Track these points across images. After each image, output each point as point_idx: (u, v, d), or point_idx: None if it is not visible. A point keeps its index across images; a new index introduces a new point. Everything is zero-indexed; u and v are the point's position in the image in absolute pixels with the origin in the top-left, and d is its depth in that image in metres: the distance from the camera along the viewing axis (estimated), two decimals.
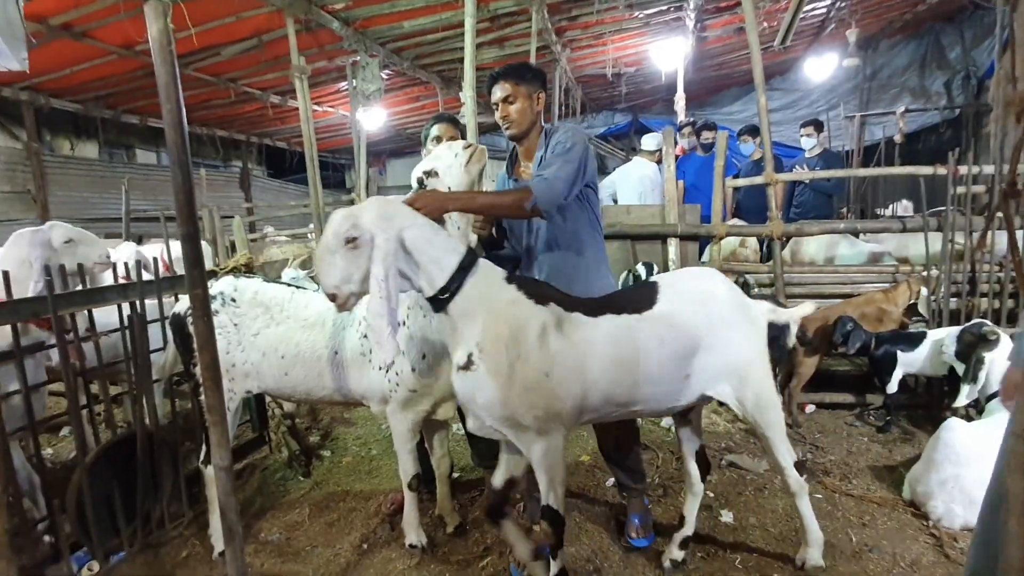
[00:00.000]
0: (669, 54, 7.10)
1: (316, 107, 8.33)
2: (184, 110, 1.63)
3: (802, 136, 5.34)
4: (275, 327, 2.38)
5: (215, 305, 2.36)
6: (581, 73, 8.75)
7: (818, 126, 5.37)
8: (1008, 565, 1.14)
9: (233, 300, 2.42)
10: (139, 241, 5.98)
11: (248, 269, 3.29)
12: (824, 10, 7.12)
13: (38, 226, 2.80)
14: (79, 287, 2.59)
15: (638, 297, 2.01)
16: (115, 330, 2.58)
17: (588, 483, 3.00)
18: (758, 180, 4.01)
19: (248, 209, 8.46)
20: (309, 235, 6.97)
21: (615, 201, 5.28)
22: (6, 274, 2.33)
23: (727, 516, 2.63)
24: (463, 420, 2.75)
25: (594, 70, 8.53)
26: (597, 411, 1.96)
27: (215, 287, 2.44)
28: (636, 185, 5.22)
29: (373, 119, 7.02)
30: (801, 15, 4.24)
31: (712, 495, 2.81)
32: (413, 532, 2.45)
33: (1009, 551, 1.14)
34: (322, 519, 2.77)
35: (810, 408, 3.83)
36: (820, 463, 3.12)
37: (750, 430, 3.53)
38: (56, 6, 4.67)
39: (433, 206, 1.84)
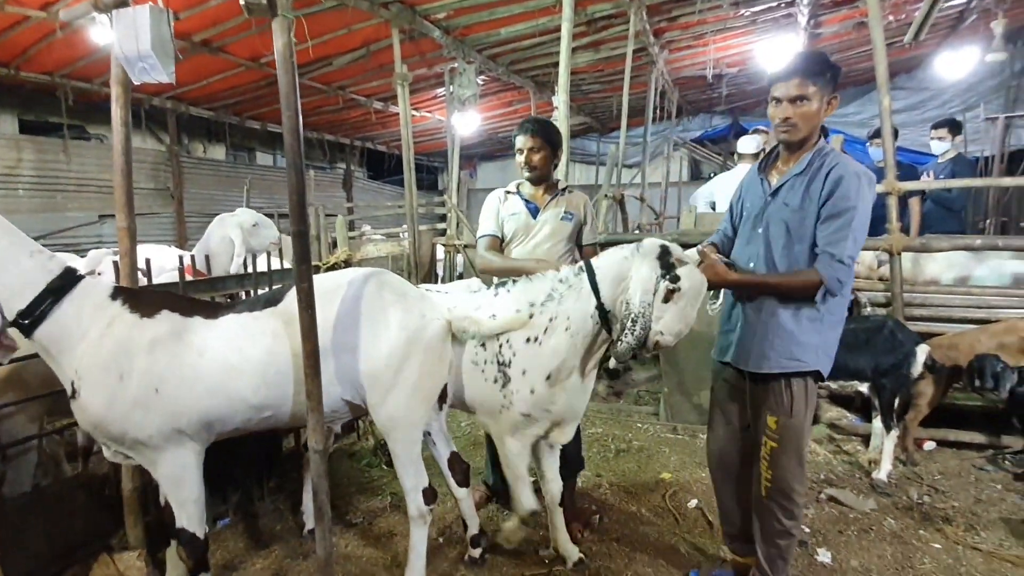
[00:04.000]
0: (777, 53, 6.65)
1: (414, 112, 8.69)
2: (301, 117, 1.75)
3: (932, 140, 4.69)
4: None
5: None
6: (678, 75, 8.44)
7: (953, 127, 4.65)
8: None
9: None
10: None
11: (347, 265, 3.50)
12: (964, 0, 6.36)
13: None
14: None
15: (269, 295, 1.97)
16: None
17: (662, 506, 2.86)
18: (877, 188, 3.63)
19: (349, 208, 8.99)
20: (402, 234, 7.27)
21: (713, 208, 5.01)
22: (207, 258, 3.39)
23: (824, 555, 2.41)
24: None
25: (693, 72, 8.19)
26: (233, 420, 1.89)
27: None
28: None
29: (467, 123, 7.18)
30: (939, 7, 3.78)
31: (807, 530, 2.59)
32: None
33: None
34: (402, 509, 2.84)
35: (929, 445, 3.43)
36: (940, 508, 2.79)
37: (854, 463, 3.24)
38: (199, 24, 5.24)
39: (715, 279, 1.93)
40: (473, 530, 2.39)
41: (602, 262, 2.05)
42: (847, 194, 1.79)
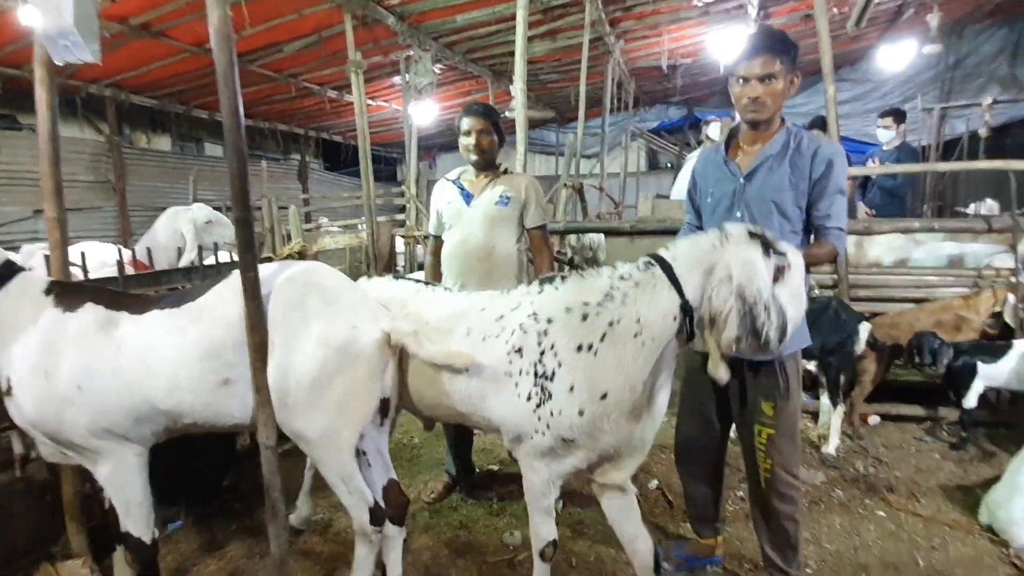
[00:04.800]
0: (728, 44, 6.80)
1: (370, 101, 8.51)
2: (240, 97, 1.67)
3: (879, 128, 4.86)
4: None
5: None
6: (634, 66, 8.54)
7: (899, 116, 4.81)
8: None
9: None
10: None
11: (301, 257, 3.41)
12: None
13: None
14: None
15: (195, 289, 1.85)
16: None
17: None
18: None
19: (304, 200, 8.75)
20: (360, 226, 7.12)
21: None
22: (148, 250, 3.26)
23: None
24: None
25: (648, 62, 8.31)
26: (159, 421, 1.77)
27: None
28: None
29: (424, 113, 7.07)
30: None
31: None
32: None
33: None
34: None
35: (874, 419, 3.59)
36: (883, 479, 2.92)
37: (804, 439, 3.37)
38: (137, 6, 4.95)
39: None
40: None
41: (679, 252, 1.70)
42: (840, 175, 1.89)
